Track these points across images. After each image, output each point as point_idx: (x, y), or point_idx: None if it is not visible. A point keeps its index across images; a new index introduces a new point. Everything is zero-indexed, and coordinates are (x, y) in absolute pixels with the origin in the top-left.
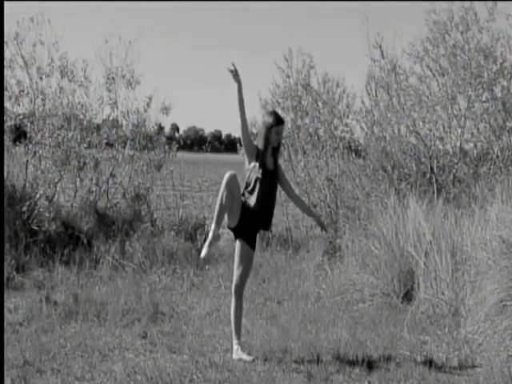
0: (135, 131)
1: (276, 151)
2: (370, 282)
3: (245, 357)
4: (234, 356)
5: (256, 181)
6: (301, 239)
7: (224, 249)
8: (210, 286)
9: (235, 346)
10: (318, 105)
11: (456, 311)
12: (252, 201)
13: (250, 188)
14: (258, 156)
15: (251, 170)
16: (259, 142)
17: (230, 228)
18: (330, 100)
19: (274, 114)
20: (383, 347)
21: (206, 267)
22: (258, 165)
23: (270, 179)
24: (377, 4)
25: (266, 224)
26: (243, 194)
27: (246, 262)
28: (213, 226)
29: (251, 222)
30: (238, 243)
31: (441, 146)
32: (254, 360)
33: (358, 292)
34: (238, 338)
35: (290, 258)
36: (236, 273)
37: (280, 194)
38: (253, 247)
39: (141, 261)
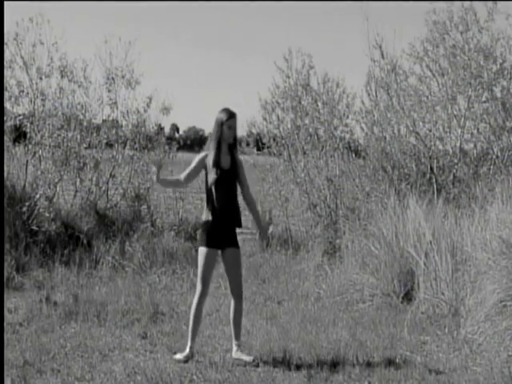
0: (135, 131)
1: (233, 148)
2: (370, 282)
3: (244, 357)
4: (234, 355)
5: (212, 183)
6: (301, 239)
7: None
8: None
9: (235, 347)
10: (317, 105)
11: (456, 311)
12: (210, 208)
13: (207, 198)
14: (211, 160)
15: (207, 177)
16: (212, 142)
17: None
18: (329, 100)
19: (225, 109)
20: (383, 347)
21: None
22: (211, 166)
23: (227, 178)
24: (377, 4)
25: (234, 222)
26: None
27: (240, 265)
28: (189, 342)
29: (219, 231)
30: (224, 253)
31: (441, 147)
32: (254, 360)
33: (358, 292)
34: (238, 338)
35: (290, 259)
36: (237, 278)
37: (280, 195)
38: (237, 247)
39: (141, 261)
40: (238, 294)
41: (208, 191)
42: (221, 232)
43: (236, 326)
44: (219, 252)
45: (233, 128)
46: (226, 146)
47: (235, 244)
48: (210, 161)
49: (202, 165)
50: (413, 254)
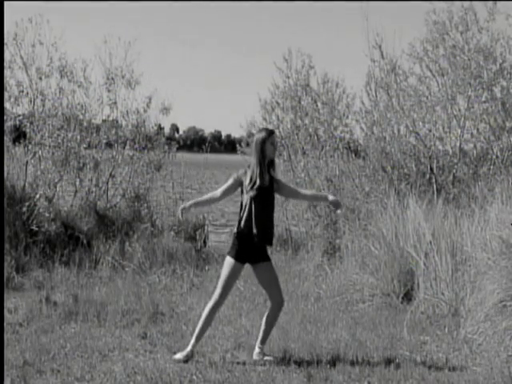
0: (135, 131)
1: (271, 165)
2: (370, 282)
3: (266, 357)
4: (255, 357)
5: (250, 200)
6: (300, 239)
7: (224, 249)
8: (209, 287)
9: (258, 349)
10: (317, 105)
11: (456, 311)
12: (246, 223)
13: (242, 211)
14: (251, 178)
15: (244, 193)
16: (253, 161)
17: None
18: (329, 100)
19: (264, 129)
20: (383, 347)
21: (206, 268)
22: (251, 184)
23: (266, 196)
24: (377, 4)
25: (267, 240)
26: (237, 226)
27: (276, 276)
28: (192, 341)
29: (252, 247)
30: (256, 267)
31: (440, 147)
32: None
33: (358, 292)
34: (264, 343)
35: (290, 259)
36: (276, 288)
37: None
38: (269, 259)
39: (140, 261)
40: (279, 301)
41: (245, 208)
42: (253, 248)
43: (265, 331)
44: (246, 265)
45: (275, 144)
46: (273, 164)
47: (266, 258)
48: (248, 179)
49: (238, 183)
50: (413, 254)
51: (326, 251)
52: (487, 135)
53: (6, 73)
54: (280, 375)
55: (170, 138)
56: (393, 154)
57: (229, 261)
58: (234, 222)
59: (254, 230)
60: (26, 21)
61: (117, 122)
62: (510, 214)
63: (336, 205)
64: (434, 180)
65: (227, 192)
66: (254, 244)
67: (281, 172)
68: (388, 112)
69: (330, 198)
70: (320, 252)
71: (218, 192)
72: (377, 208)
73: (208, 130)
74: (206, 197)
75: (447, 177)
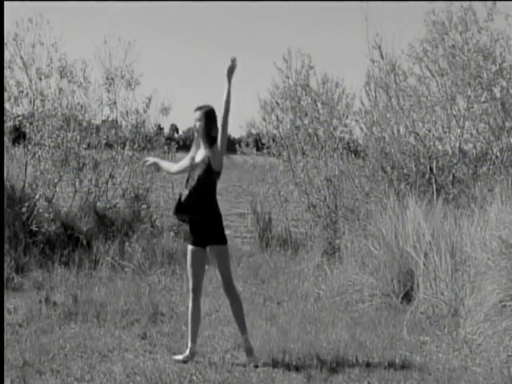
0: (134, 132)
1: (208, 140)
2: (370, 282)
3: (244, 357)
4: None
5: (186, 179)
6: (300, 240)
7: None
8: (209, 287)
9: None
10: (317, 105)
11: (455, 312)
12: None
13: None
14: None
15: None
16: None
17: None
18: (329, 100)
19: None
20: (383, 348)
21: (206, 268)
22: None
23: (194, 172)
24: (377, 4)
25: (209, 218)
26: None
27: (225, 262)
28: (189, 343)
29: (197, 228)
30: (210, 251)
31: (440, 147)
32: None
33: (358, 292)
34: (242, 333)
35: (290, 259)
36: (224, 276)
37: (279, 196)
38: (220, 243)
39: (140, 261)
40: (227, 291)
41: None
42: (198, 229)
43: (237, 323)
44: (206, 249)
45: (196, 119)
46: (204, 140)
47: (217, 240)
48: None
49: (189, 162)
50: (412, 255)
51: (325, 251)
52: (487, 135)
53: (6, 73)
54: (279, 376)
55: (169, 139)
56: (392, 154)
57: (188, 248)
58: (233, 222)
59: (190, 211)
60: (27, 21)
61: (116, 122)
62: (510, 214)
63: (232, 62)
64: (433, 180)
65: (181, 171)
66: (197, 225)
67: (280, 172)
68: (387, 112)
69: (225, 72)
70: (319, 252)
71: (174, 168)
72: (376, 208)
73: None
74: (165, 165)
75: (447, 177)
